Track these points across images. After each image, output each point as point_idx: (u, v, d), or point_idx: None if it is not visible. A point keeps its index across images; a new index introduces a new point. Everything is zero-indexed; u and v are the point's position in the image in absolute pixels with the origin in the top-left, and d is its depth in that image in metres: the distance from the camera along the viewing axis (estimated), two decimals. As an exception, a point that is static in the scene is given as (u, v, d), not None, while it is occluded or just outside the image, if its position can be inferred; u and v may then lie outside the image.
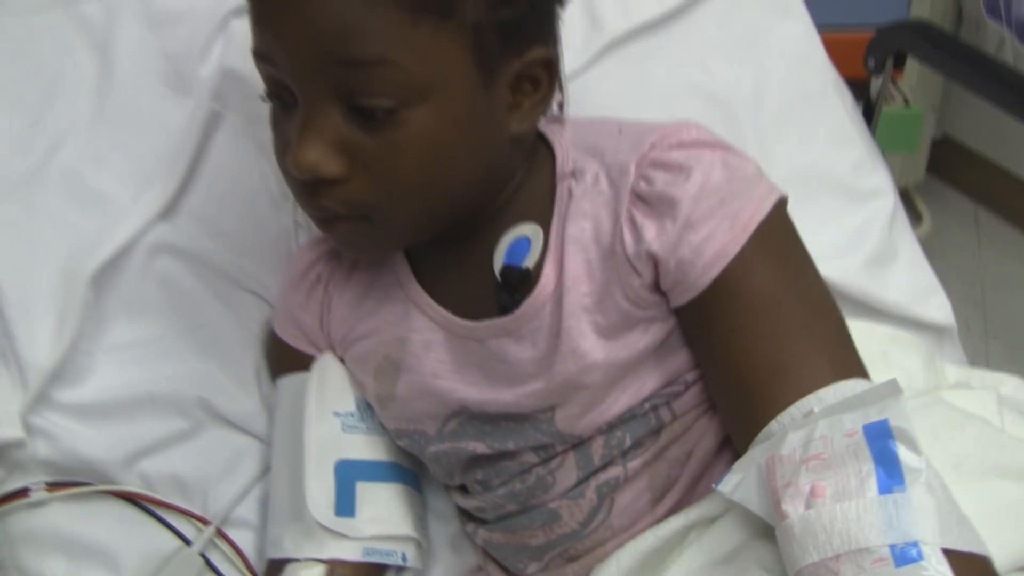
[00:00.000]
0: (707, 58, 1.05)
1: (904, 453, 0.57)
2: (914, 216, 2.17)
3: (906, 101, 2.28)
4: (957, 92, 2.48)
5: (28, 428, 0.82)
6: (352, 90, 0.66)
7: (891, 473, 0.57)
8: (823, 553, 0.56)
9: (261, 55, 0.69)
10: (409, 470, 0.85)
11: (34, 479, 0.82)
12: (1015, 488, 0.66)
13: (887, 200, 1.03)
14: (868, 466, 0.57)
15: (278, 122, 0.72)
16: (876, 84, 1.10)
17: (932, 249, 1.08)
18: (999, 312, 2.03)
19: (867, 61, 1.09)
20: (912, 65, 2.26)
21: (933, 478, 0.57)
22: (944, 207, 2.47)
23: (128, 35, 0.95)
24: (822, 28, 1.07)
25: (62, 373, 0.83)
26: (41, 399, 0.82)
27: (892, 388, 0.60)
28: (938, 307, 0.98)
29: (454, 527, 0.88)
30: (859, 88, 1.15)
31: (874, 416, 0.59)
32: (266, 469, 0.88)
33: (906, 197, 2.18)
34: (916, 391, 0.75)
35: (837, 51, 1.08)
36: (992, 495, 0.65)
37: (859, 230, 1.00)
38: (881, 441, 0.58)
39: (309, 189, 0.69)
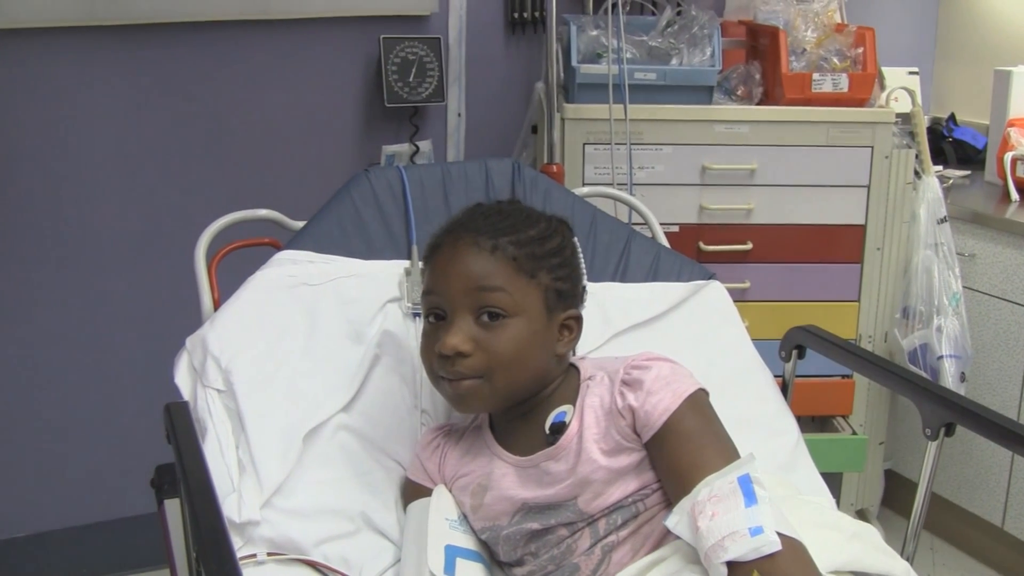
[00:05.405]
0: (677, 346, 1.63)
1: (757, 488, 1.13)
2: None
3: (854, 432, 2.87)
4: (900, 432, 3.05)
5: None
6: (481, 305, 1.27)
7: (750, 498, 1.12)
8: (717, 538, 1.10)
9: (431, 291, 1.32)
10: (485, 557, 1.37)
11: (258, 549, 1.34)
12: (829, 532, 1.20)
13: (791, 436, 1.62)
14: (739, 497, 1.13)
15: (428, 333, 1.33)
16: (788, 366, 1.70)
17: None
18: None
19: (780, 352, 1.71)
20: (860, 404, 2.86)
21: (772, 501, 1.12)
22: (899, 535, 2.96)
23: (326, 308, 1.58)
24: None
25: (280, 489, 1.38)
26: (268, 503, 1.37)
27: (751, 457, 1.17)
28: (825, 497, 1.53)
29: (511, 600, 1.40)
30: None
31: (742, 472, 1.15)
32: (396, 560, 1.40)
33: (863, 518, 2.71)
34: (781, 496, 1.30)
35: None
36: (816, 536, 1.18)
37: (772, 452, 1.58)
38: (745, 483, 1.14)
39: (450, 361, 1.28)
